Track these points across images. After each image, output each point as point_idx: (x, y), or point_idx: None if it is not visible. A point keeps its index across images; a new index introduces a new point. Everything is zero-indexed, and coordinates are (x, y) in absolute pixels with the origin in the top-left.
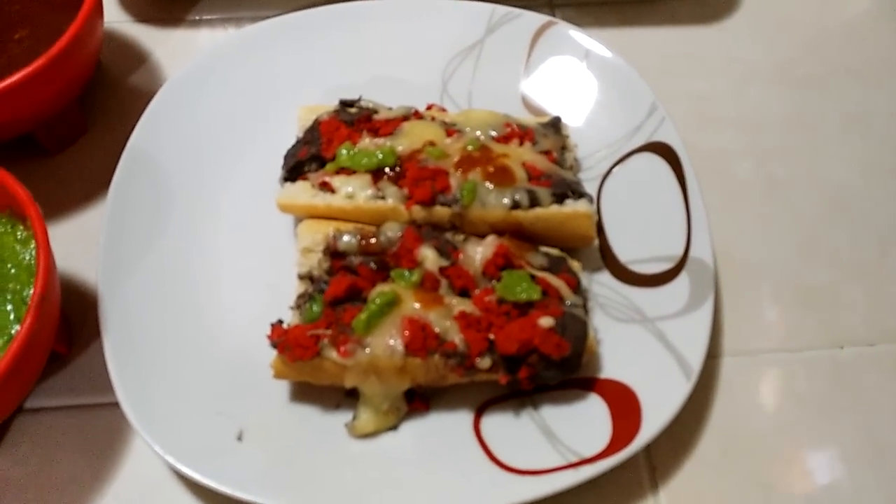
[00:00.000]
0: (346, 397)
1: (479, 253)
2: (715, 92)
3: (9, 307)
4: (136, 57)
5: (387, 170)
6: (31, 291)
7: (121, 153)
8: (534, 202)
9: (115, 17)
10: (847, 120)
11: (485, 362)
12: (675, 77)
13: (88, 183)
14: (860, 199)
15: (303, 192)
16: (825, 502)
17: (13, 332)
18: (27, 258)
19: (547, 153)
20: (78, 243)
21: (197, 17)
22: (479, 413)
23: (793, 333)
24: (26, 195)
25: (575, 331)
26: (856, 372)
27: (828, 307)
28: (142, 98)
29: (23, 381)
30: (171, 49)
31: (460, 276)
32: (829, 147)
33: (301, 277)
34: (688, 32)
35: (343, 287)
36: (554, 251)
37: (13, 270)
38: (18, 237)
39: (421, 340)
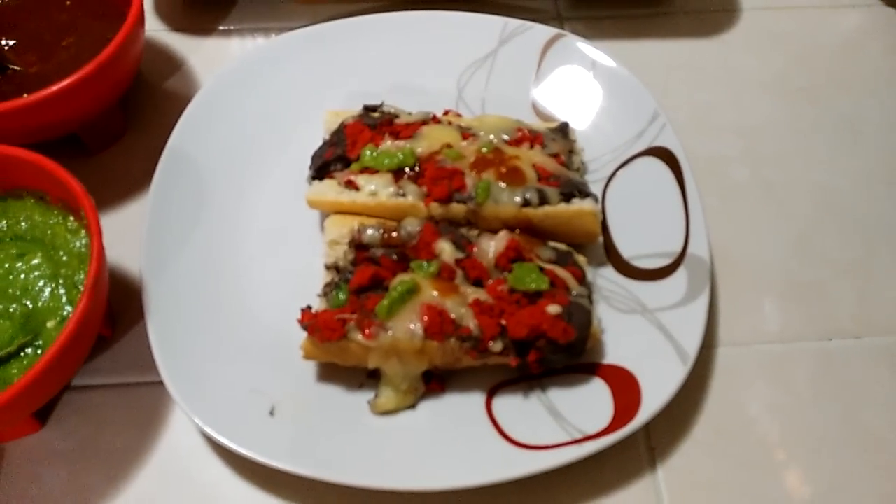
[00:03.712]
0: (369, 378)
1: (491, 247)
2: (714, 101)
3: (61, 291)
4: (171, 64)
5: (407, 170)
6: (82, 277)
7: (158, 153)
8: (543, 201)
9: (152, 27)
10: (837, 128)
11: (497, 346)
12: (676, 87)
13: (127, 180)
14: (849, 201)
15: (330, 190)
16: (812, 483)
17: (65, 313)
18: (77, 246)
19: (555, 156)
20: (118, 235)
21: (228, 27)
22: (490, 394)
23: (784, 326)
24: (81, 189)
25: (580, 318)
26: (843, 363)
27: (817, 302)
28: (177, 102)
29: (75, 358)
30: (205, 57)
31: (475, 268)
32: (821, 153)
33: (328, 267)
34: (689, 45)
35: (366, 276)
36: (561, 246)
37: (65, 258)
38: (69, 227)
39: (438, 325)
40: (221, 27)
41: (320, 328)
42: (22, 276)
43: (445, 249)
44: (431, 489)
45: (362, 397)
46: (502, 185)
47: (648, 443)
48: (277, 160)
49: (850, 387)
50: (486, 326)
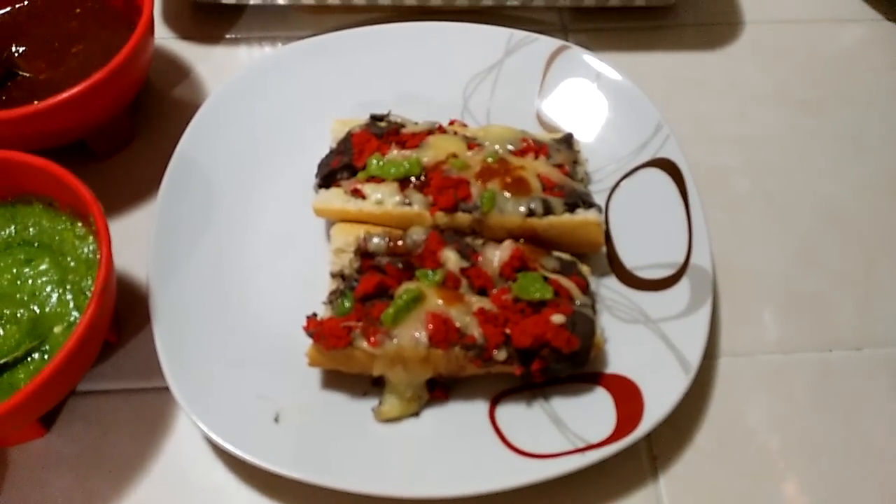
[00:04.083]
0: (373, 385)
1: (496, 256)
2: (717, 113)
3: (68, 296)
4: (179, 71)
5: (413, 179)
6: (89, 282)
7: (165, 160)
8: (547, 211)
9: (159, 34)
10: (839, 140)
11: (501, 354)
12: (679, 98)
13: (134, 186)
14: (850, 213)
15: (336, 198)
16: (812, 493)
17: (72, 319)
18: (85, 252)
19: (560, 166)
20: (124, 241)
21: (236, 36)
22: (494, 403)
23: (785, 337)
24: (90, 195)
25: (584, 327)
26: (843, 374)
27: (818, 313)
28: (185, 109)
29: (81, 363)
30: (212, 65)
31: (479, 277)
32: (823, 165)
33: (333, 275)
34: (693, 57)
35: (372, 284)
36: (565, 256)
37: (73, 263)
38: (77, 233)
39: (443, 333)
40: (229, 36)
41: (326, 335)
42: (29, 281)
43: (450, 258)
44: (434, 497)
45: (366, 405)
46: (507, 194)
47: (650, 452)
48: (284, 168)
49: (851, 397)
50: (491, 335)
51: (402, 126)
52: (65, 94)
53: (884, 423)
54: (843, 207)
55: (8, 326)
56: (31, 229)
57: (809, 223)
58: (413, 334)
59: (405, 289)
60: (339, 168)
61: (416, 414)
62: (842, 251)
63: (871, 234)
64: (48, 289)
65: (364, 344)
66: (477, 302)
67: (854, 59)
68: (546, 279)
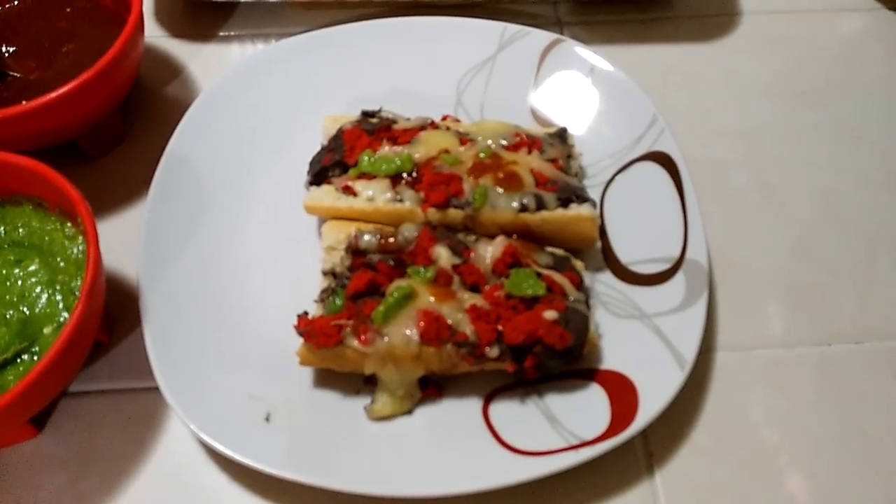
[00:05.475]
0: (365, 384)
1: (489, 252)
2: (713, 105)
3: (58, 297)
4: (171, 69)
5: (405, 175)
6: (79, 283)
7: (157, 159)
8: (540, 206)
9: (151, 32)
10: (838, 132)
11: (493, 351)
12: (675, 91)
13: (126, 186)
14: (850, 205)
15: (327, 195)
16: (812, 489)
17: (62, 319)
18: (74, 252)
19: (553, 161)
20: (115, 242)
21: (227, 33)
22: (487, 400)
23: (784, 331)
24: (78, 195)
25: (577, 323)
26: (843, 368)
27: (817, 307)
28: (176, 108)
29: (71, 364)
30: (204, 63)
31: (471, 273)
32: (821, 157)
33: (325, 273)
34: (688, 49)
35: (363, 282)
36: (559, 251)
37: (62, 264)
38: (66, 233)
39: (435, 331)
40: (221, 33)
41: (316, 334)
42: (19, 282)
43: (442, 255)
44: (428, 495)
45: (359, 403)
46: (500, 190)
47: (646, 448)
48: (275, 166)
49: (851, 391)
50: (483, 332)
51: (394, 122)
52: (54, 94)
53: (884, 417)
54: (842, 200)
55: None
56: (20, 230)
57: (808, 216)
58: (404, 332)
59: (396, 286)
60: (330, 165)
61: (409, 412)
62: (841, 244)
63: (870, 226)
64: (38, 289)
65: (355, 342)
66: (469, 299)
67: (853, 49)
68: (539, 275)
